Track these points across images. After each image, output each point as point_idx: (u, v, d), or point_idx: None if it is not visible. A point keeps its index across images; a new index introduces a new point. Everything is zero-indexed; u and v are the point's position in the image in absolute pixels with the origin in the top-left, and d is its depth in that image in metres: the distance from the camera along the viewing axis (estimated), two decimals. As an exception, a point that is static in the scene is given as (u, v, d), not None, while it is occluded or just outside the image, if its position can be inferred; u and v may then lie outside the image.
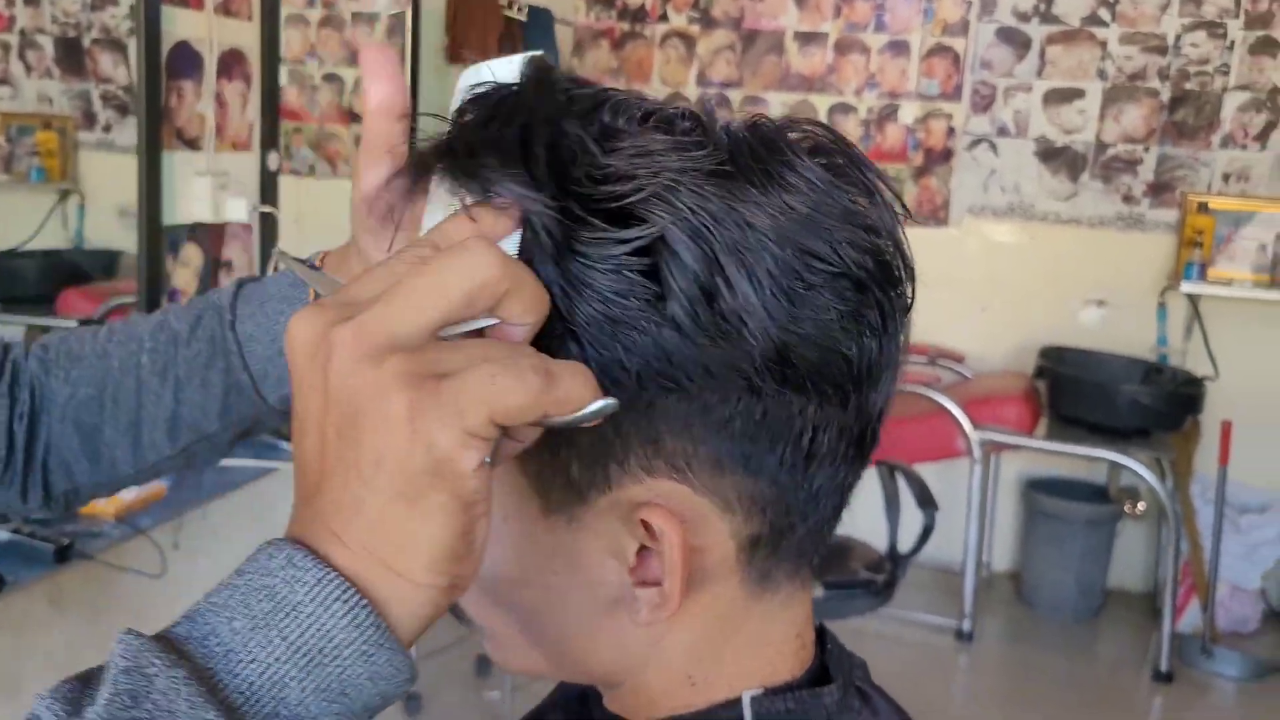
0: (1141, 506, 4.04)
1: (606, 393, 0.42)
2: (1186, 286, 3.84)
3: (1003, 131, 4.10)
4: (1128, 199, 4.03)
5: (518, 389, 0.39)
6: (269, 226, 2.52)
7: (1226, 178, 3.94)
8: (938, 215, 4.17)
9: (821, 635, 0.57)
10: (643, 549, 0.48)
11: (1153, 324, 4.00)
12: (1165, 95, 3.95)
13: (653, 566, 0.48)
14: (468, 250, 0.41)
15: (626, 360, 0.45)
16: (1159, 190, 4.00)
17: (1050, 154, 4.07)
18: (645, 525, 0.47)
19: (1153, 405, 3.69)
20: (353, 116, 4.50)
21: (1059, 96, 4.04)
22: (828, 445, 0.49)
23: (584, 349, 0.45)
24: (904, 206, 0.51)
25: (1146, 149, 3.99)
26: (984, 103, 4.10)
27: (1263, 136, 3.89)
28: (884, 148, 4.18)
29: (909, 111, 4.16)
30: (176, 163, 2.27)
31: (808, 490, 0.49)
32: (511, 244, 0.45)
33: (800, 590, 0.54)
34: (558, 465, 0.48)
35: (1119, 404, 3.67)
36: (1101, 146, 4.02)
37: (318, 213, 2.85)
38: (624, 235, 0.44)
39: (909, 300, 0.51)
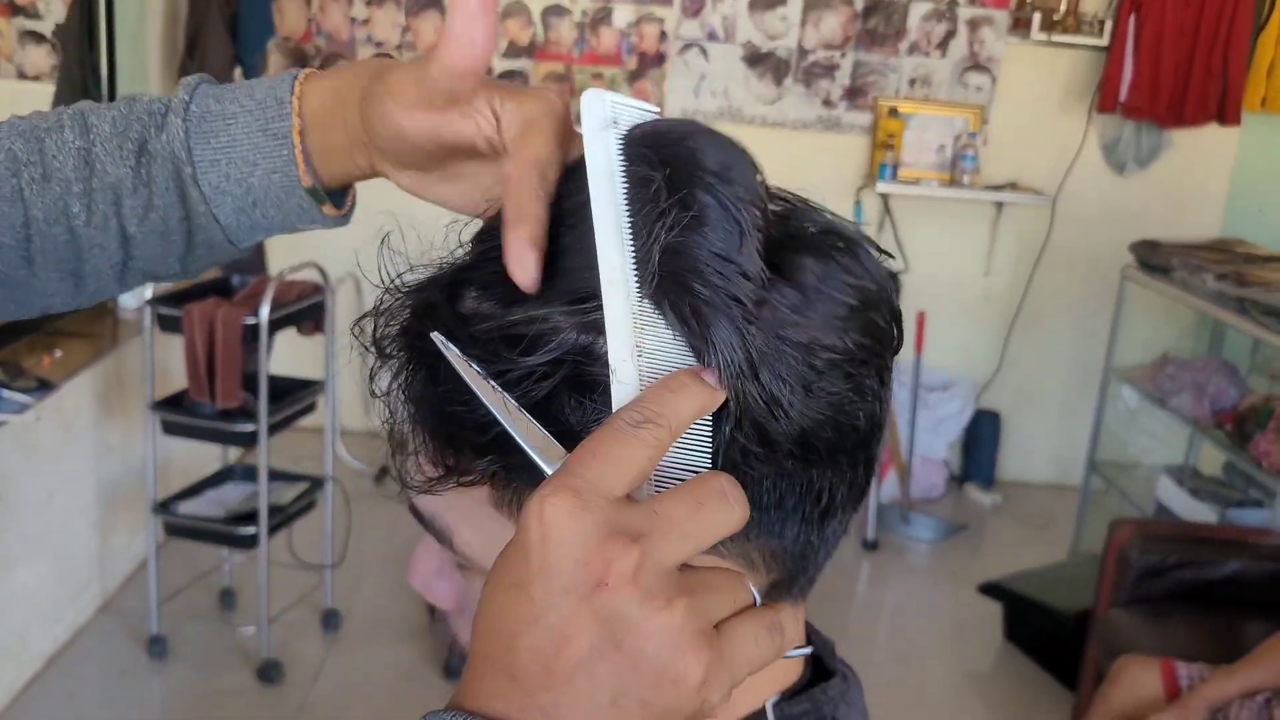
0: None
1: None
2: (881, 186, 4.14)
3: (712, 36, 4.22)
4: (827, 103, 4.27)
5: (771, 649, 0.45)
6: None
7: (912, 83, 4.25)
8: (651, 118, 4.26)
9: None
10: None
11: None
12: (859, 4, 4.18)
13: None
14: (737, 505, 0.45)
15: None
16: (854, 95, 4.26)
17: (756, 59, 4.24)
18: None
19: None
20: (14, 9, 4.04)
21: (763, 3, 4.19)
22: (841, 498, 0.53)
23: None
24: (884, 251, 0.56)
25: (843, 55, 4.23)
26: (694, 7, 4.19)
27: (943, 45, 4.22)
28: (599, 51, 4.21)
29: (623, 15, 4.19)
30: None
31: (822, 538, 0.54)
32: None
33: (803, 601, 0.58)
34: None
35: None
36: (803, 53, 4.23)
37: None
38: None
39: (899, 343, 0.55)
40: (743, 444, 0.48)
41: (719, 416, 0.48)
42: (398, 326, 0.53)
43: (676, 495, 0.44)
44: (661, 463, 0.46)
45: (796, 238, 0.51)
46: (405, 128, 0.56)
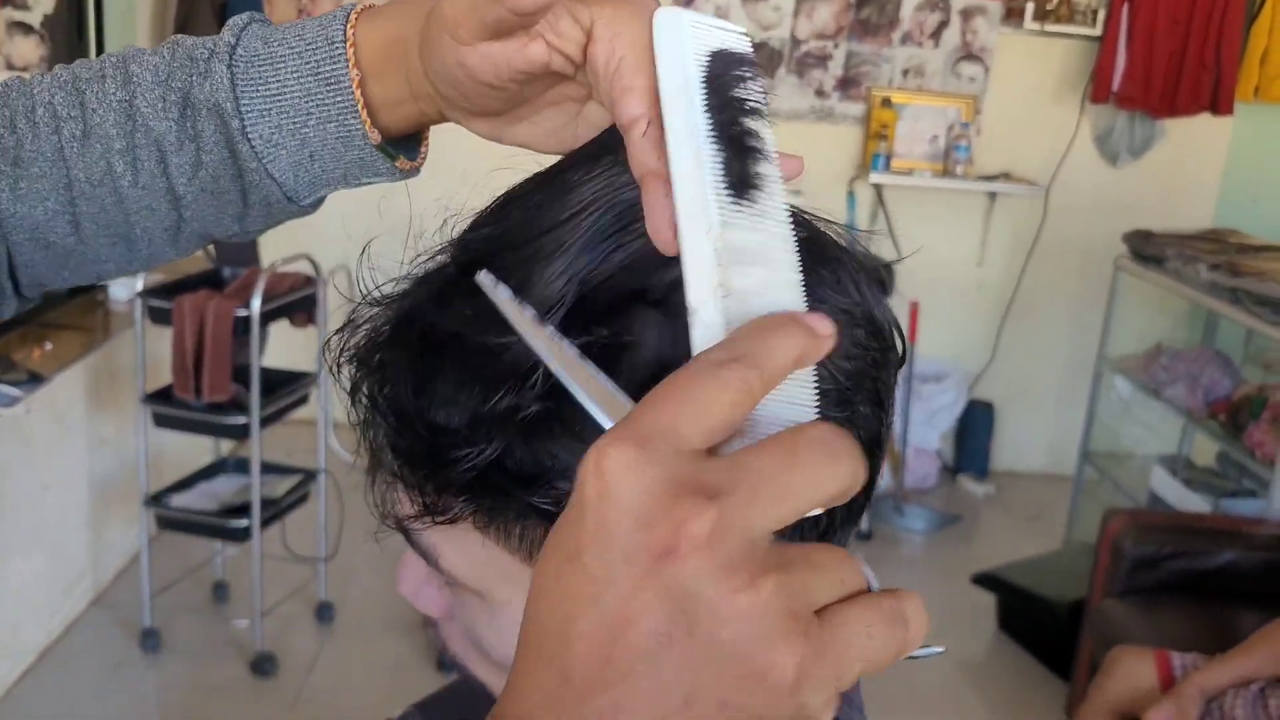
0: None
1: None
2: (874, 177, 4.14)
3: (705, 27, 4.20)
4: (820, 93, 4.26)
5: (891, 644, 0.36)
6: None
7: (905, 73, 4.24)
8: (644, 109, 4.24)
9: None
10: None
11: (843, 212, 4.29)
12: (852, -6, 4.18)
13: None
14: (846, 459, 0.36)
15: None
16: (847, 85, 4.25)
17: (749, 49, 4.22)
18: None
19: (848, 289, 3.98)
20: (2, -2, 4.01)
21: (756, -7, 4.18)
22: (840, 519, 0.51)
23: None
24: (875, 257, 0.54)
25: (836, 45, 4.22)
26: (686, -2, 4.18)
27: (936, 35, 4.21)
28: (591, 41, 4.19)
29: (615, 5, 4.17)
30: None
31: None
32: None
33: None
34: None
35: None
36: (796, 43, 4.22)
37: None
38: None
39: (901, 357, 0.52)
40: None
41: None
42: (373, 339, 0.50)
43: (765, 446, 0.35)
44: (753, 418, 0.38)
45: None
46: (469, 64, 0.48)
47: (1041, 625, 3.19)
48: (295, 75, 0.56)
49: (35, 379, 2.72)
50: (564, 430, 0.44)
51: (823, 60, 4.23)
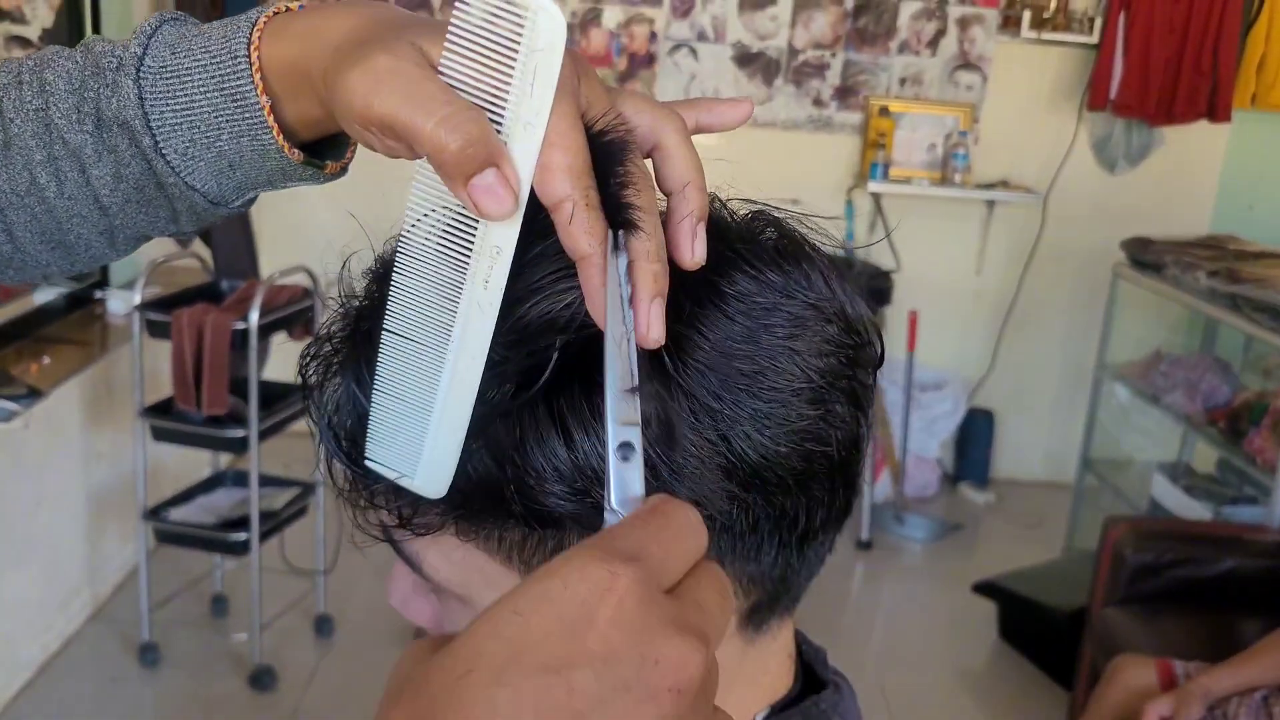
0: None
1: None
2: (872, 186, 4.14)
3: (702, 37, 4.21)
4: (817, 102, 4.26)
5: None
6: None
7: (903, 82, 4.25)
8: (642, 119, 4.24)
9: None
10: None
11: (841, 221, 4.29)
12: (849, 3, 4.18)
13: None
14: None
15: None
16: (845, 94, 4.25)
17: (746, 59, 4.23)
18: None
19: (847, 298, 3.98)
20: (0, 14, 4.01)
21: (753, 3, 4.18)
22: (820, 520, 0.50)
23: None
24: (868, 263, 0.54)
25: (833, 54, 4.22)
26: (684, 7, 4.18)
27: (933, 44, 4.21)
28: (589, 52, 4.19)
29: (612, 16, 4.18)
30: None
31: (803, 559, 0.51)
32: None
33: (789, 617, 0.56)
34: None
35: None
36: (793, 52, 4.22)
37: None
38: None
39: (878, 355, 0.53)
40: (702, 485, 0.46)
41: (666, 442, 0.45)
42: (332, 350, 0.50)
43: (716, 588, 0.39)
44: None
45: (744, 256, 0.48)
46: (377, 148, 0.46)
47: (1042, 634, 3.18)
48: (202, 90, 0.53)
49: (33, 393, 2.71)
50: (533, 439, 0.44)
51: (820, 70, 4.23)
